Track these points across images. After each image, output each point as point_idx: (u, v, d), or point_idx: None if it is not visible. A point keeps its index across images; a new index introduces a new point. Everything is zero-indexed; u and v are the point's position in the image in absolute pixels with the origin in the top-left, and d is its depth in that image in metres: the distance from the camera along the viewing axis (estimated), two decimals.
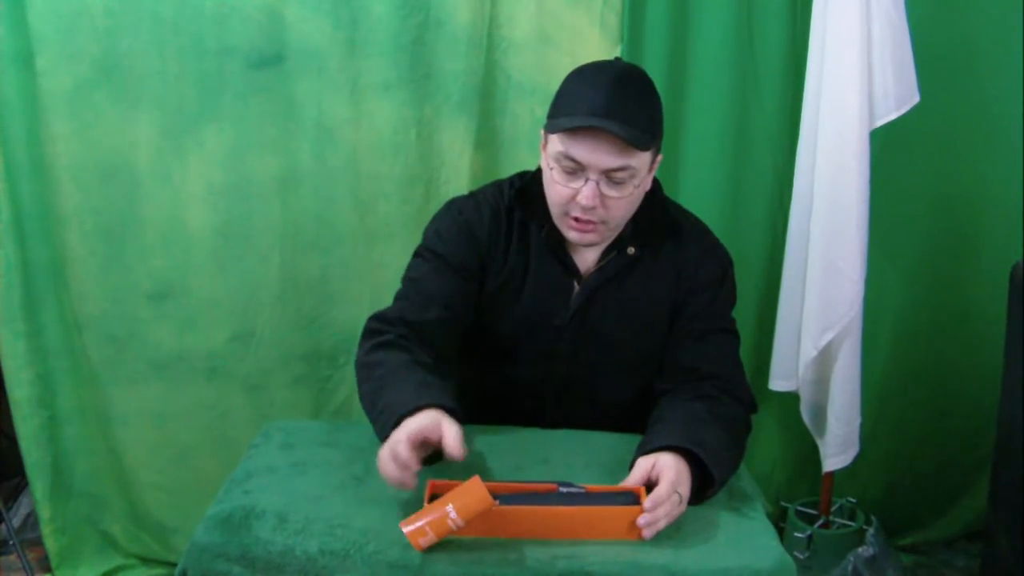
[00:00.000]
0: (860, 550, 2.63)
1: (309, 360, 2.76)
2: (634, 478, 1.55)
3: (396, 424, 1.55)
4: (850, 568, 2.61)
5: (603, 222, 1.75)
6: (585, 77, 1.73)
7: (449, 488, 1.43)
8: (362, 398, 1.73)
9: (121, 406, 2.72)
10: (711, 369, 1.81)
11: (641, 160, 1.71)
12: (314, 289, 2.72)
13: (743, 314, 2.72)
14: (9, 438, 2.79)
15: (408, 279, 1.89)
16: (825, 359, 2.52)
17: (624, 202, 1.74)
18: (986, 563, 2.41)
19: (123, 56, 2.53)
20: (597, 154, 1.68)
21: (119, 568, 2.77)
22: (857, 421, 2.58)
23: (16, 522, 2.93)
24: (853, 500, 2.84)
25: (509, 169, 2.38)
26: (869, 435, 2.70)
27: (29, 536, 2.89)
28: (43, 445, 2.67)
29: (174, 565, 1.51)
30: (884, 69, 2.35)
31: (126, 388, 2.71)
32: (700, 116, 2.70)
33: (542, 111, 1.80)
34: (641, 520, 1.46)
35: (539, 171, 1.84)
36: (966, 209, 2.75)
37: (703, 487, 1.59)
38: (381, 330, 1.80)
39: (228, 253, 2.67)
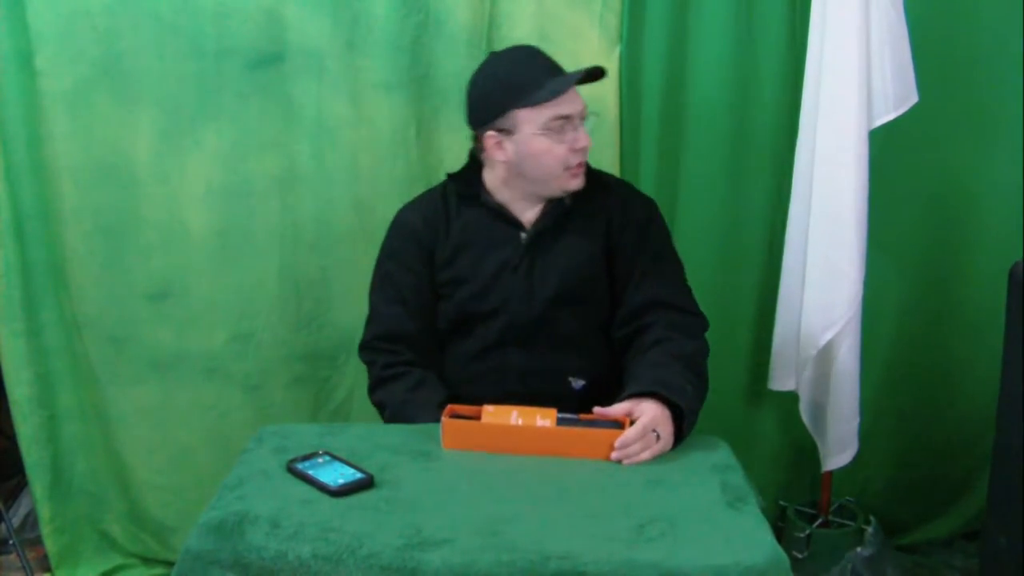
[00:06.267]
0: (859, 550, 2.63)
1: (308, 360, 2.76)
2: (614, 411, 1.80)
3: None
4: (849, 568, 2.61)
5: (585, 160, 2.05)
6: (515, 60, 2.04)
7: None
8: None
9: (121, 406, 2.73)
10: (657, 298, 2.05)
11: None
12: (314, 289, 2.72)
13: (742, 314, 2.74)
14: (9, 438, 2.79)
15: (373, 298, 2.17)
16: (824, 358, 2.52)
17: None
18: (985, 563, 2.41)
19: (123, 56, 2.54)
20: (575, 101, 1.99)
21: (119, 568, 2.78)
22: (856, 420, 2.58)
23: (16, 522, 2.93)
24: (852, 500, 2.84)
25: None
26: (868, 434, 2.69)
27: (29, 536, 2.90)
28: (43, 445, 2.69)
29: (174, 564, 1.52)
30: (883, 69, 2.35)
31: (126, 388, 2.72)
32: (700, 116, 2.70)
33: None
34: (614, 456, 1.73)
35: (471, 162, 2.14)
36: (965, 209, 2.74)
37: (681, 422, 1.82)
38: (372, 360, 2.12)
39: (228, 253, 2.67)
